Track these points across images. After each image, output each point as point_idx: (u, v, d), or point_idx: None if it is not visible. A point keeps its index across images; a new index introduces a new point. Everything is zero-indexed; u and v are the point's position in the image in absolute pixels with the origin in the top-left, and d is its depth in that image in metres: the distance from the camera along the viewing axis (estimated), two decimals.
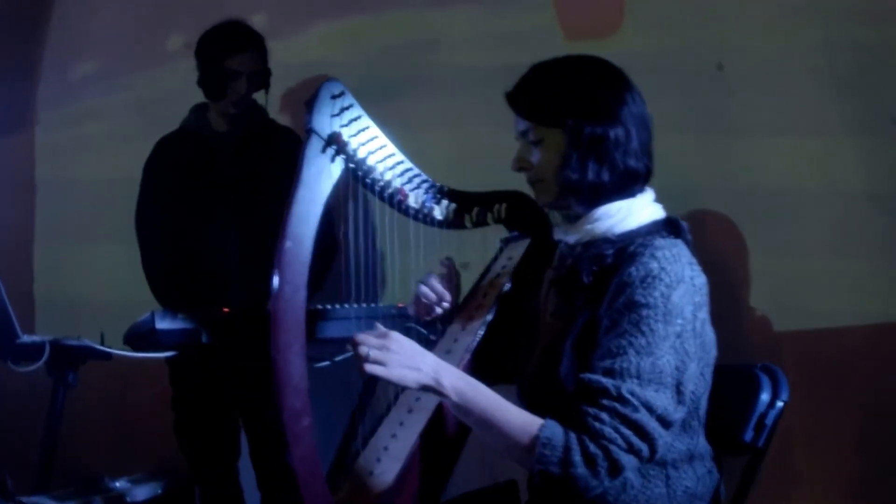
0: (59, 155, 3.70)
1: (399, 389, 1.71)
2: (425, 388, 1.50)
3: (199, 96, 2.82)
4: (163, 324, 2.22)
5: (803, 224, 2.52)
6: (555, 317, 1.67)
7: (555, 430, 1.46)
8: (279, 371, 1.52)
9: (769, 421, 1.75)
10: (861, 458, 2.45)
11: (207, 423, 2.79)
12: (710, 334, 1.60)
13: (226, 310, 2.36)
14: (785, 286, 2.53)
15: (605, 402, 1.46)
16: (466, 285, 1.90)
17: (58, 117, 3.70)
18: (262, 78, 2.78)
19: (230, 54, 2.71)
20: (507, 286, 1.77)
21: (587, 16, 2.78)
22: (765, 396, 1.76)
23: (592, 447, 1.44)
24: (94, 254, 3.59)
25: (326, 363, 2.16)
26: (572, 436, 1.45)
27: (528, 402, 1.61)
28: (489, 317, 1.73)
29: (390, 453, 1.62)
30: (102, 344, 2.27)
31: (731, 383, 1.72)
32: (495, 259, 1.89)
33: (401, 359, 1.48)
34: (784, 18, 2.55)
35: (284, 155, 2.85)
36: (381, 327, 1.56)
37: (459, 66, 2.96)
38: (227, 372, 2.71)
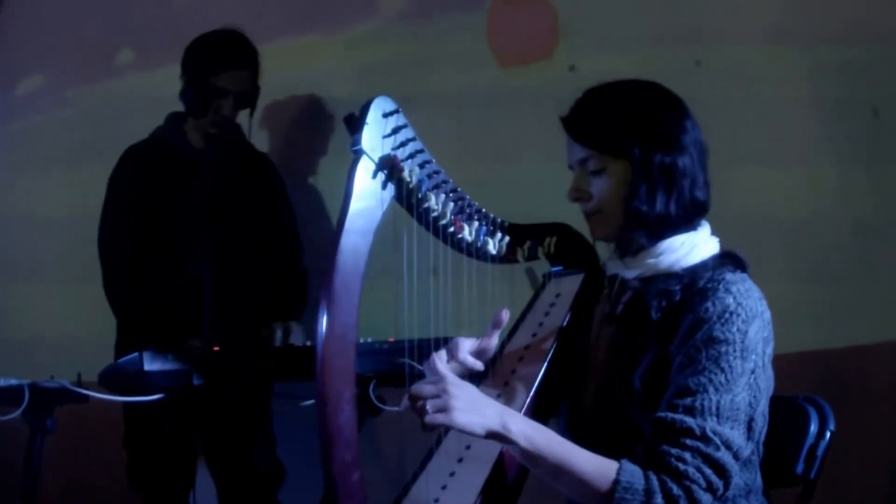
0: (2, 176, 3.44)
1: (442, 432, 1.58)
2: (491, 435, 1.41)
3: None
4: (152, 365, 2.02)
5: (787, 251, 2.52)
6: (612, 352, 1.60)
7: (634, 473, 1.41)
8: (328, 422, 1.39)
9: (819, 452, 1.75)
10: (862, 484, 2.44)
11: (165, 463, 2.57)
12: (770, 370, 1.56)
13: (216, 348, 2.16)
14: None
15: (688, 441, 1.42)
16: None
17: (2, 134, 3.44)
18: (250, 97, 2.56)
19: (219, 70, 2.47)
20: (566, 321, 1.66)
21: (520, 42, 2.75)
22: (813, 427, 1.76)
23: (676, 489, 1.40)
24: (46, 289, 3.32)
25: (312, 402, 2.01)
26: (653, 478, 1.41)
27: (581, 436, 1.53)
28: (549, 354, 1.62)
29: None
30: (80, 385, 2.05)
31: (776, 415, 1.66)
32: (538, 295, 1.77)
33: (464, 404, 1.39)
34: (767, 41, 2.55)
35: (261, 183, 2.69)
36: (438, 365, 1.45)
37: None
38: (200, 414, 2.52)
